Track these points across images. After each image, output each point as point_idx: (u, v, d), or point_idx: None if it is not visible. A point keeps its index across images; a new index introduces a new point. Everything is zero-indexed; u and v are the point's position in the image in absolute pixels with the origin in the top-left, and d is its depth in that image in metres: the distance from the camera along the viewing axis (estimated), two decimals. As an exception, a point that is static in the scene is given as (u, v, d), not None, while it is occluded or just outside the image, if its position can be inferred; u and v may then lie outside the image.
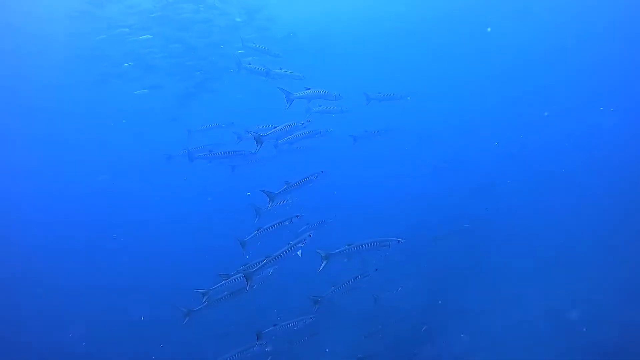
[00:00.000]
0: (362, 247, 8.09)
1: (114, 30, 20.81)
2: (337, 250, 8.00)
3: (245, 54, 16.30)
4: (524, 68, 29.90)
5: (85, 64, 23.22)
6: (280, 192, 9.22)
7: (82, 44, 22.40)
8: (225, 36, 21.74)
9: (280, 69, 10.60)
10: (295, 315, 9.09)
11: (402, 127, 17.18)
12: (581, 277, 12.22)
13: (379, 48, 32.30)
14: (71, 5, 20.74)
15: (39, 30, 24.32)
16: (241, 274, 8.07)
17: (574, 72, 29.15)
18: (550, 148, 21.40)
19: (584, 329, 10.34)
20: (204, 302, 8.24)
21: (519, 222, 15.60)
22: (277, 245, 8.08)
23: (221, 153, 10.76)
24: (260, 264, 7.93)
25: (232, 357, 8.40)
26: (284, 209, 9.48)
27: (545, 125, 23.05)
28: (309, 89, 9.58)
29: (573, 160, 19.53)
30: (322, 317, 10.56)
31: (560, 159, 20.20)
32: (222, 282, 8.18)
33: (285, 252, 8.04)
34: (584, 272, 12.46)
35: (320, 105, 10.85)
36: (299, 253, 8.19)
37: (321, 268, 7.93)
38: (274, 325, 8.65)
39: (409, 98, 13.98)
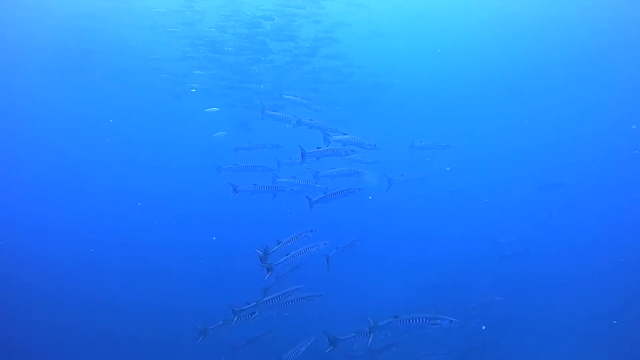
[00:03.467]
0: (411, 321, 7.57)
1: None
2: (384, 322, 7.61)
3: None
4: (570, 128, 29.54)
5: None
6: (318, 200, 10.08)
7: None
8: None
9: (311, 119, 11.32)
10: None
11: (438, 176, 17.29)
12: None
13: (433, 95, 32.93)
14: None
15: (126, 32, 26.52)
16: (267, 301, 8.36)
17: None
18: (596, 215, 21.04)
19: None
20: (221, 322, 8.62)
21: (556, 295, 15.17)
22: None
23: (264, 187, 11.52)
24: (279, 260, 8.46)
25: None
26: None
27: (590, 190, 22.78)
28: (346, 134, 10.36)
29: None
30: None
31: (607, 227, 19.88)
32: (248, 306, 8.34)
33: (302, 252, 8.62)
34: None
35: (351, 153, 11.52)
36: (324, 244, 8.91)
37: (369, 341, 7.65)
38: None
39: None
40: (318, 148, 10.20)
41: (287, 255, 8.61)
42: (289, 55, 22.92)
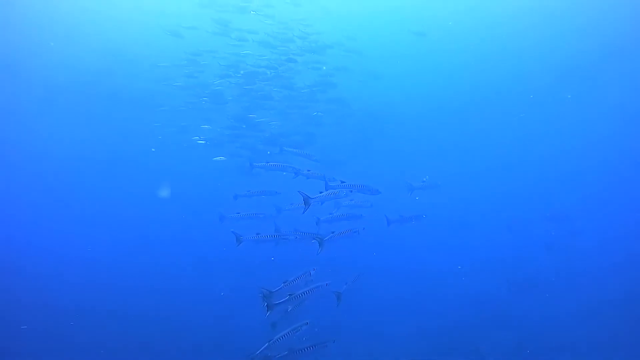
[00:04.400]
0: None
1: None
2: None
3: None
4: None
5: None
6: (327, 240, 10.23)
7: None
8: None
9: (308, 170, 11.59)
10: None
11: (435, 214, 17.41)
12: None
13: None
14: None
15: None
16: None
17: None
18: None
19: None
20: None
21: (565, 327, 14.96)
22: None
23: (267, 236, 11.35)
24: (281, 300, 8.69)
25: None
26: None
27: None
28: (344, 182, 10.60)
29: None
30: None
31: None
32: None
33: (305, 293, 8.92)
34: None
35: (351, 200, 12.00)
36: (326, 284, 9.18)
37: None
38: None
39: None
40: (320, 192, 10.44)
41: (290, 294, 8.88)
42: (289, 100, 23.74)
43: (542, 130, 33.08)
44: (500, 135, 33.52)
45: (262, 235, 11.32)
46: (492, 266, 18.76)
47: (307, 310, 9.34)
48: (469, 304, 16.75)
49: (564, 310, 15.79)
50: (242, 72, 22.13)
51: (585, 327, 14.65)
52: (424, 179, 14.63)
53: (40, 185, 30.20)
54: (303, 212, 10.42)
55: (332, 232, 10.49)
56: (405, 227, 14.42)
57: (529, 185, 28.21)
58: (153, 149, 30.11)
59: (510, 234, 21.53)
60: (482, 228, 22.29)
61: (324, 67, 23.60)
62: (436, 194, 15.83)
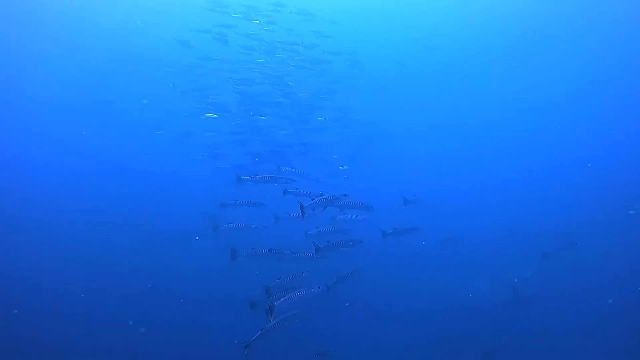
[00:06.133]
0: None
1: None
2: None
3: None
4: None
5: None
6: (324, 248, 10.33)
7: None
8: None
9: (297, 189, 11.43)
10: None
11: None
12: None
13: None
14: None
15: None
16: None
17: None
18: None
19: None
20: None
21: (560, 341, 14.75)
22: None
23: (263, 251, 10.98)
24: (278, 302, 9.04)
25: None
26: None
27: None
28: (347, 195, 10.51)
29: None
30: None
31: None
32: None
33: (296, 295, 9.23)
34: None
35: (344, 214, 11.97)
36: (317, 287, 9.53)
37: None
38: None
39: None
40: (313, 199, 10.41)
41: (283, 298, 9.22)
42: (293, 108, 23.57)
43: (548, 144, 32.93)
44: (505, 146, 33.47)
45: (257, 250, 11.00)
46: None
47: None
48: (466, 311, 16.37)
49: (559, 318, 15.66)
50: (246, 78, 22.19)
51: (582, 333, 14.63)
52: (414, 195, 14.52)
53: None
54: (302, 219, 10.37)
55: (328, 242, 10.48)
56: (402, 239, 14.23)
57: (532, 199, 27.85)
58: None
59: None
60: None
61: (328, 77, 23.66)
62: (435, 203, 15.65)
